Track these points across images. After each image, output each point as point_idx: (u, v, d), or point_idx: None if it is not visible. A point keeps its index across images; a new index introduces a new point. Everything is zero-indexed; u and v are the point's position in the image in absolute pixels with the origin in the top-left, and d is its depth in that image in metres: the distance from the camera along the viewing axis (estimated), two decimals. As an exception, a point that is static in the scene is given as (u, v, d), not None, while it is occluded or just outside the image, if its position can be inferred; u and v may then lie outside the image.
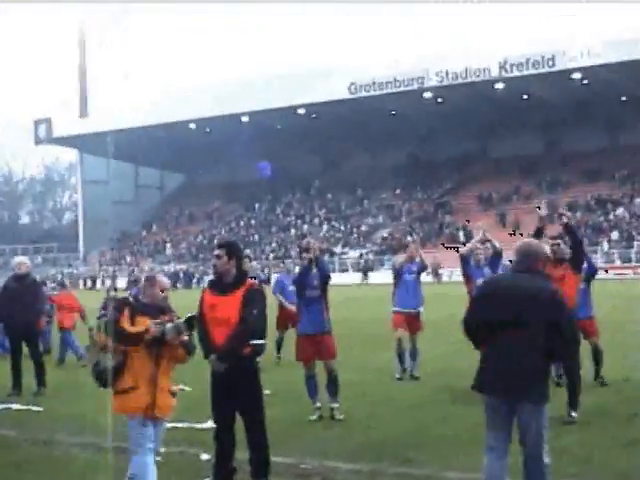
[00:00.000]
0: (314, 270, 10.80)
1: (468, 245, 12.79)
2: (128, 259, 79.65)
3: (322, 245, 13.82)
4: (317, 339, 10.66)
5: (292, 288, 13.15)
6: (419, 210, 75.20)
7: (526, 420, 6.24)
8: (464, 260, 12.29)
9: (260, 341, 7.62)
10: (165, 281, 7.25)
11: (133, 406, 6.85)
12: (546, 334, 6.16)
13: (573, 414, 10.14)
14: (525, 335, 6.16)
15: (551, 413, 6.54)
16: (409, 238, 58.71)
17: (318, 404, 10.76)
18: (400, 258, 14.74)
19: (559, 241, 10.84)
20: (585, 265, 12.30)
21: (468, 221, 62.19)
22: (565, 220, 9.01)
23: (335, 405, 10.79)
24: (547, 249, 6.73)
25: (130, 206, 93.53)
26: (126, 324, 6.80)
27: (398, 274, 14.10)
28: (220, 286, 7.85)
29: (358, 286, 55.54)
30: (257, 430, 7.78)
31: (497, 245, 11.71)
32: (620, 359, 14.08)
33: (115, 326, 6.74)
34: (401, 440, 9.42)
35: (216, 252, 7.89)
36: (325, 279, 10.91)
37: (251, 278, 8.14)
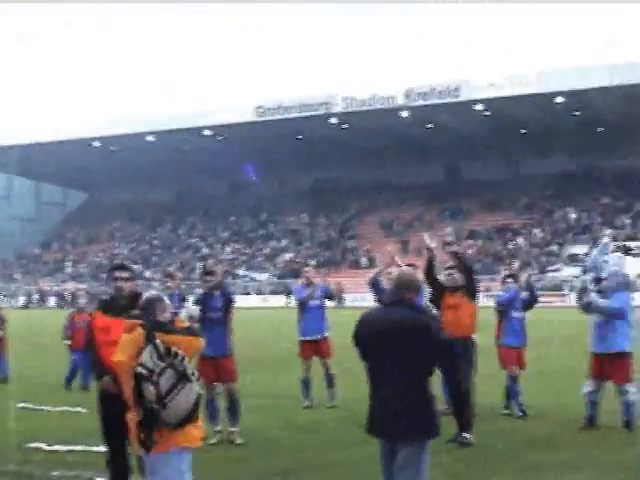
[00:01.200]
0: (217, 293, 10.78)
1: (375, 270, 12.78)
2: (20, 277, 78.33)
3: (226, 268, 13.70)
4: (218, 362, 10.58)
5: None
6: (323, 235, 75.50)
7: (401, 461, 6.02)
8: (373, 285, 12.28)
9: None
10: None
11: (199, 436, 6.22)
12: (420, 363, 6.07)
13: (465, 435, 10.17)
14: (398, 369, 6.02)
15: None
16: (308, 266, 58.75)
17: (218, 427, 10.66)
18: (299, 285, 14.58)
19: (454, 270, 10.93)
20: (525, 294, 12.54)
21: (367, 249, 62.90)
22: (453, 249, 9.06)
23: (235, 429, 10.71)
24: (420, 278, 6.63)
25: (32, 223, 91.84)
26: None
27: (302, 301, 13.90)
28: (112, 308, 7.65)
29: (271, 309, 55.36)
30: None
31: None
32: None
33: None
34: (300, 465, 9.37)
35: (123, 274, 7.73)
36: (228, 302, 10.88)
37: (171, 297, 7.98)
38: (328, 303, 14.18)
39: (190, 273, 70.97)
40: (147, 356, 5.91)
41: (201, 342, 6.33)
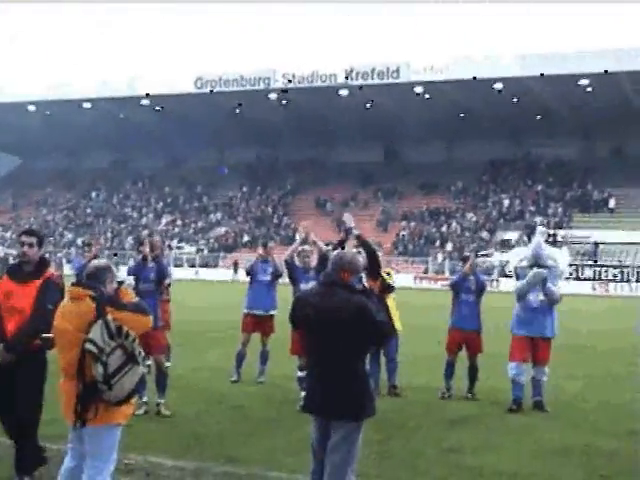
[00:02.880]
0: (150, 264, 10.74)
1: (290, 248, 12.36)
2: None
3: (162, 241, 13.56)
4: (149, 333, 10.50)
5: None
6: (257, 210, 75.38)
7: (335, 440, 6.03)
8: (288, 264, 12.01)
9: (49, 335, 7.20)
10: None
11: (130, 412, 6.19)
12: (358, 344, 6.06)
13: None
14: (334, 349, 6.00)
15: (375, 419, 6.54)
16: (266, 240, 58.63)
17: (145, 399, 10.62)
18: (253, 258, 14.45)
19: (360, 250, 10.95)
20: (474, 280, 12.66)
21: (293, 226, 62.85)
22: (356, 232, 9.10)
23: (162, 401, 10.69)
24: (361, 260, 6.48)
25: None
26: None
27: (252, 275, 13.81)
28: (19, 274, 7.40)
29: (201, 282, 55.19)
30: (28, 422, 7.40)
31: (323, 247, 11.08)
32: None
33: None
34: (228, 439, 9.40)
35: (28, 240, 7.40)
36: (161, 274, 10.86)
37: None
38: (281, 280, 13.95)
39: (122, 243, 70.58)
40: (97, 333, 5.77)
41: (150, 321, 6.24)
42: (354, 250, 8.16)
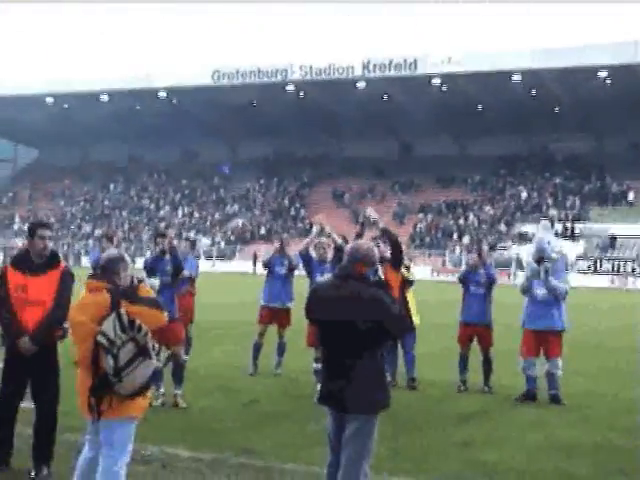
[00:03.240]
0: (167, 257, 10.80)
1: (305, 240, 12.49)
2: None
3: (176, 232, 13.48)
4: (165, 326, 10.56)
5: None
6: (274, 202, 75.39)
7: (350, 433, 6.02)
8: (303, 256, 12.14)
9: (66, 325, 7.33)
10: None
11: (146, 405, 6.21)
12: (374, 336, 6.02)
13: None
14: (351, 343, 5.98)
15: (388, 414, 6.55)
16: (283, 234, 58.56)
17: (162, 390, 10.69)
18: (271, 252, 14.50)
19: (379, 241, 11.00)
20: (483, 273, 12.64)
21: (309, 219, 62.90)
22: (382, 225, 9.12)
23: (179, 392, 10.76)
24: (376, 252, 6.35)
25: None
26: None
27: (269, 268, 13.88)
28: (29, 265, 7.40)
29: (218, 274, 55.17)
30: (47, 412, 7.53)
31: (338, 240, 11.24)
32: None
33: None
34: (244, 431, 9.45)
35: (48, 233, 7.48)
36: (178, 267, 10.92)
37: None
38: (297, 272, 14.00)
39: (139, 235, 70.80)
40: (110, 325, 5.80)
41: (165, 317, 6.26)
42: (371, 242, 8.17)
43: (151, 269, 10.82)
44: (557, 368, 11.59)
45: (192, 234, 70.44)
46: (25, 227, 76.43)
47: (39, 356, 7.37)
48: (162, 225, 60.27)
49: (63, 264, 7.64)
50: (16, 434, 7.67)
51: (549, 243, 11.77)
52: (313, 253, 12.27)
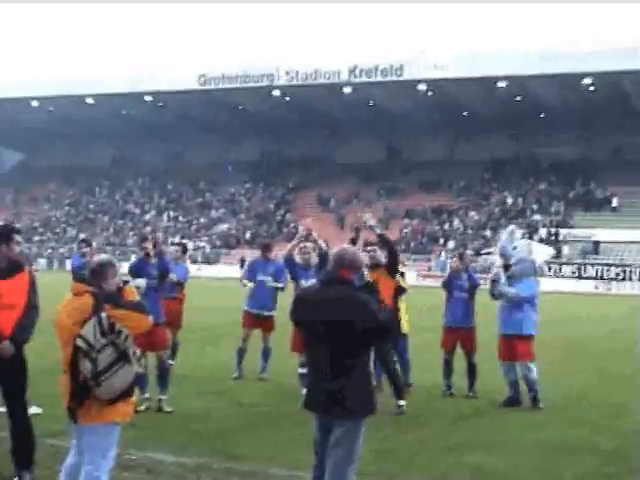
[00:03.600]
0: (153, 260, 10.78)
1: (288, 246, 12.38)
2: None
3: (159, 235, 13.55)
4: (150, 330, 10.53)
5: None
6: (260, 207, 75.33)
7: (336, 438, 5.98)
8: (287, 261, 12.07)
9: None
10: None
11: (129, 411, 6.14)
12: (359, 340, 5.98)
13: (400, 402, 10.76)
14: (335, 347, 5.93)
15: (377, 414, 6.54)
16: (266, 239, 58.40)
17: (147, 395, 10.65)
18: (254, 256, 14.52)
19: (375, 247, 11.01)
20: (466, 277, 12.67)
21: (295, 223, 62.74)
22: (379, 231, 9.13)
23: (164, 397, 10.71)
24: (361, 257, 6.34)
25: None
26: None
27: (252, 274, 13.85)
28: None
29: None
30: (21, 414, 7.53)
31: (323, 245, 11.24)
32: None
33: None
34: (229, 435, 9.42)
35: (17, 238, 7.55)
36: (164, 271, 10.92)
37: None
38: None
39: (124, 239, 70.65)
40: (89, 329, 5.74)
41: (149, 321, 6.23)
42: (358, 247, 8.17)
43: (136, 272, 10.77)
44: (528, 370, 11.57)
45: (177, 239, 70.41)
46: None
47: (8, 358, 7.38)
48: (148, 229, 60.16)
49: (26, 266, 7.69)
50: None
51: (514, 248, 11.88)
52: (297, 258, 12.24)
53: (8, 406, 7.56)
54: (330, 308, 5.98)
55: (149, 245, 10.87)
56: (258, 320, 13.69)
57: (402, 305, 12.33)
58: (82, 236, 63.09)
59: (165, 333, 10.94)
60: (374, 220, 9.64)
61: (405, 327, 12.38)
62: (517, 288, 11.67)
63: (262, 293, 13.67)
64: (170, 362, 11.32)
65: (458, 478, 8.04)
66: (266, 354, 13.76)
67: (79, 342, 5.75)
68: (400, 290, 12.07)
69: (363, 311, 5.95)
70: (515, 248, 11.91)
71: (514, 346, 11.64)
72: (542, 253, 11.99)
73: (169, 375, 10.89)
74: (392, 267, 10.91)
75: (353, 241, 10.21)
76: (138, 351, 6.06)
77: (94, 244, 14.34)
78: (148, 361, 10.79)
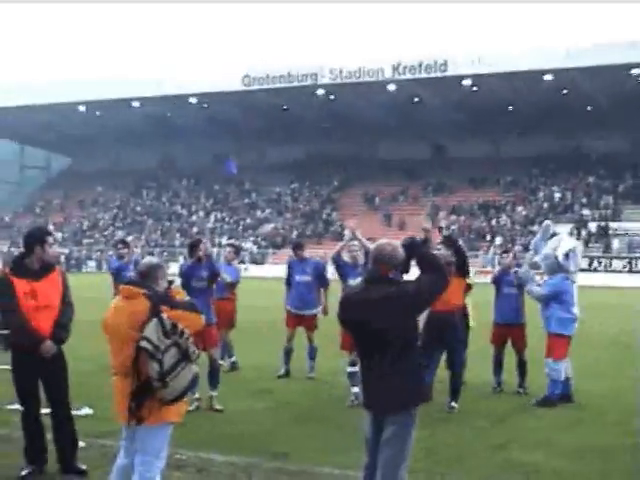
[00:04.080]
0: (203, 264, 10.98)
1: (336, 247, 12.67)
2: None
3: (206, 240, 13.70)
4: (202, 329, 10.62)
5: None
6: (306, 206, 75.33)
7: (388, 435, 5.97)
8: (335, 261, 12.22)
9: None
10: None
11: (184, 410, 6.28)
12: (407, 336, 5.99)
13: (453, 404, 10.75)
14: (384, 345, 5.92)
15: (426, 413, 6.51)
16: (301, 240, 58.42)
17: (197, 394, 10.71)
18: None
19: (440, 246, 10.97)
20: (514, 271, 12.61)
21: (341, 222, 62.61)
22: (446, 232, 9.11)
23: (214, 394, 10.84)
24: (400, 252, 6.19)
25: (15, 187, 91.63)
26: None
27: (290, 275, 13.91)
28: (32, 271, 7.53)
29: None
30: (64, 410, 7.66)
31: (367, 245, 11.30)
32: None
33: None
34: (278, 435, 9.44)
35: (50, 240, 7.69)
36: (213, 273, 11.11)
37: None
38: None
39: (172, 240, 71.05)
40: (152, 330, 5.80)
41: (202, 320, 6.31)
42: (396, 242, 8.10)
43: (187, 277, 11.00)
44: (550, 369, 11.44)
45: (225, 239, 70.70)
46: (58, 235, 77.30)
47: (49, 358, 7.50)
48: (194, 234, 60.57)
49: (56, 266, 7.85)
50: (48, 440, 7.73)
51: (546, 244, 11.89)
52: (346, 257, 12.29)
53: (52, 408, 7.64)
54: (375, 305, 5.96)
55: (201, 253, 11.08)
56: (300, 319, 13.74)
57: (469, 301, 12.27)
58: (119, 236, 63.61)
59: (216, 333, 11.08)
60: (446, 221, 9.63)
61: (472, 322, 12.34)
62: (544, 285, 11.66)
63: (301, 292, 13.72)
64: (220, 361, 11.41)
65: (508, 477, 7.98)
66: (312, 353, 13.79)
67: (144, 344, 5.79)
68: (467, 287, 12.02)
69: (403, 301, 5.94)
70: (546, 244, 11.84)
71: (546, 343, 11.57)
72: (563, 248, 11.69)
73: (219, 374, 11.02)
74: (463, 268, 10.97)
75: (425, 241, 10.22)
76: (197, 351, 6.07)
77: (138, 245, 14.50)
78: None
